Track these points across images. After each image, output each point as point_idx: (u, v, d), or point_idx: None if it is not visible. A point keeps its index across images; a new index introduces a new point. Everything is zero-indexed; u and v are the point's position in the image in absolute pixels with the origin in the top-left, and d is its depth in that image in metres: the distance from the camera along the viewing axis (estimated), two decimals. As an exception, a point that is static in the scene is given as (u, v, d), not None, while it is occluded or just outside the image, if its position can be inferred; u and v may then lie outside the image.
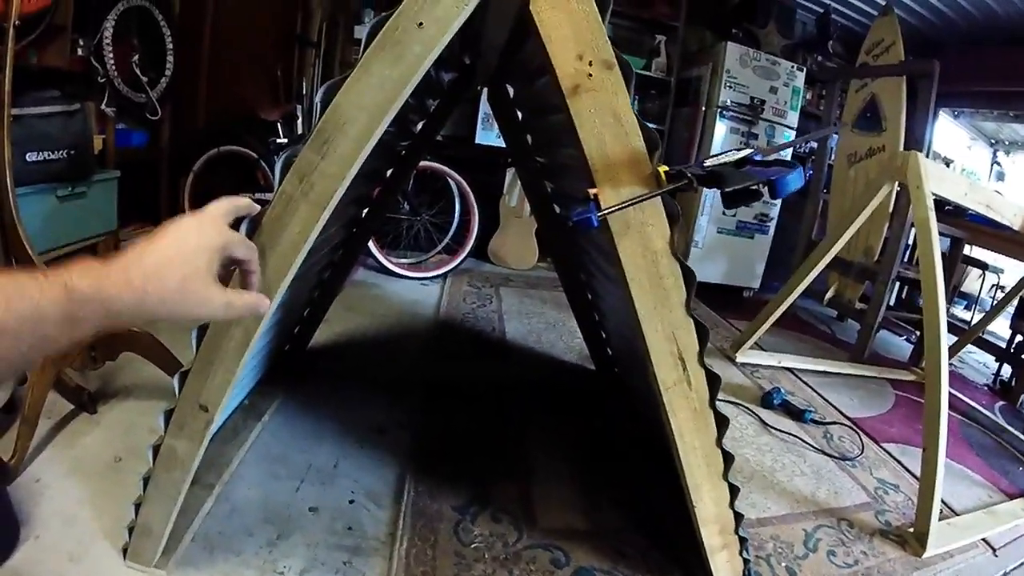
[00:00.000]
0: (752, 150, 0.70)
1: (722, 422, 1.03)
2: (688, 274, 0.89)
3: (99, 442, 1.54)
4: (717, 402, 1.03)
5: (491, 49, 1.19)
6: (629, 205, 0.76)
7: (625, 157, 0.79)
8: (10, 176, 1.71)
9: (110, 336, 1.70)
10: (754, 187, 0.66)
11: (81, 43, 2.51)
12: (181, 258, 0.53)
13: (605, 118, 0.79)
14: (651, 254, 0.85)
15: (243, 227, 0.82)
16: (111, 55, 2.60)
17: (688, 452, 1.03)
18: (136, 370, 1.82)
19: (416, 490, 1.49)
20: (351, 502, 1.42)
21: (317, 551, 1.25)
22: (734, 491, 1.12)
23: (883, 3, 3.66)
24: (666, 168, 0.76)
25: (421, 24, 0.76)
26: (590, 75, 0.77)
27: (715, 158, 0.71)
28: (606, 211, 0.74)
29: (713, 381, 0.99)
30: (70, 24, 2.35)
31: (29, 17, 1.89)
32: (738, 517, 1.17)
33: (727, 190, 0.67)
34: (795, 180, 0.66)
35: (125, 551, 1.15)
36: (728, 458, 1.07)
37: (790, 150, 4.24)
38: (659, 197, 0.82)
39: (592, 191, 0.78)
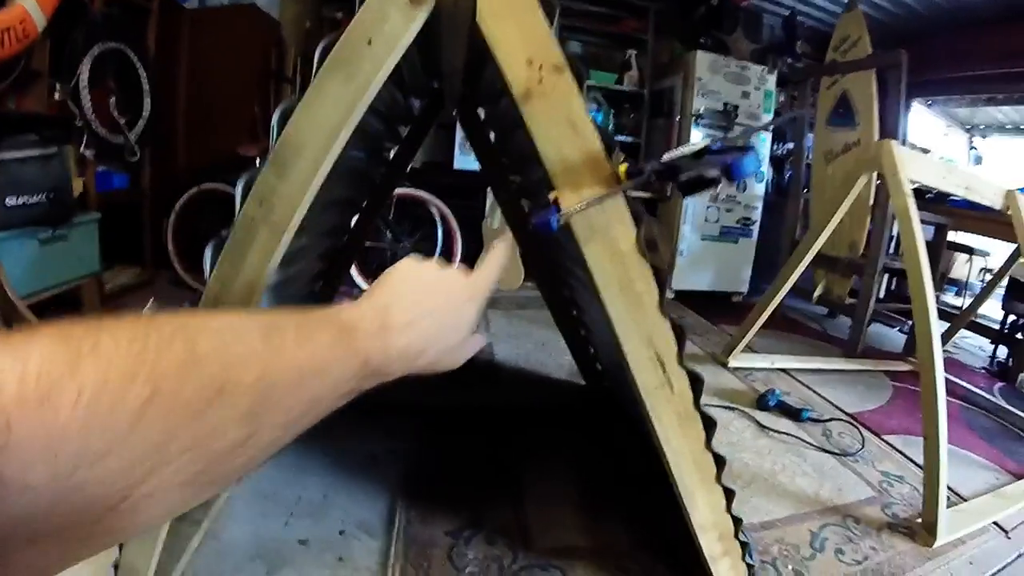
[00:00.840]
0: (710, 141, 0.70)
1: (709, 424, 1.01)
2: (659, 274, 0.88)
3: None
4: (707, 406, 1.01)
5: (453, 71, 1.20)
6: (589, 206, 0.75)
7: (583, 159, 0.78)
8: (-10, 220, 1.71)
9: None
10: (708, 174, 0.65)
11: (58, 87, 2.51)
12: (454, 340, 0.54)
13: (559, 122, 0.78)
14: (619, 256, 0.84)
15: (208, 250, 0.81)
16: (88, 98, 2.60)
17: (677, 457, 1.01)
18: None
19: (408, 517, 1.45)
20: (341, 532, 1.39)
21: (309, 585, 1.22)
22: (729, 495, 1.10)
23: (847, 1, 3.73)
24: (625, 166, 0.75)
25: (370, 42, 0.76)
26: (541, 80, 0.76)
27: (673, 152, 0.71)
28: (565, 213, 0.73)
29: (696, 382, 0.97)
30: (47, 69, 2.37)
31: (4, 62, 1.89)
32: (736, 521, 1.14)
33: (681, 179, 0.67)
34: (750, 163, 0.66)
35: (111, 593, 1.12)
36: (720, 461, 1.05)
37: (767, 153, 4.29)
38: (623, 197, 0.81)
39: (552, 195, 0.77)
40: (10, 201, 2.05)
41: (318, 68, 0.77)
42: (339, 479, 1.61)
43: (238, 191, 0.80)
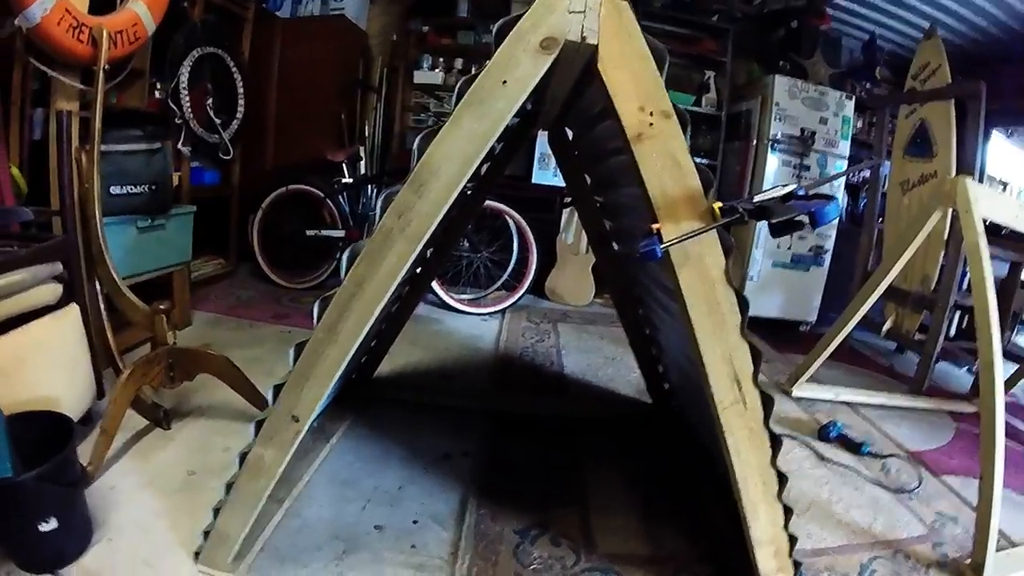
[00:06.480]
0: (796, 186, 0.78)
1: (776, 442, 1.07)
2: (742, 301, 0.96)
3: (173, 457, 1.65)
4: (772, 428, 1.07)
5: (555, 99, 1.29)
6: (689, 238, 0.83)
7: (683, 195, 0.87)
8: (98, 207, 1.87)
9: (188, 357, 1.83)
10: (797, 218, 0.73)
11: (159, 86, 2.72)
12: None
13: (665, 161, 0.88)
14: (708, 282, 0.93)
15: (345, 255, 0.93)
16: (187, 98, 2.80)
17: (744, 470, 1.08)
18: (211, 391, 1.95)
19: (478, 513, 1.55)
20: (415, 522, 1.49)
21: (383, 567, 1.32)
22: (788, 512, 1.15)
23: (927, 25, 3.64)
24: (720, 204, 0.84)
25: (505, 82, 0.87)
26: (651, 124, 0.86)
27: (763, 194, 0.79)
28: (668, 243, 0.82)
29: (767, 402, 1.04)
30: (148, 69, 2.57)
31: (116, 62, 2.04)
32: (792, 540, 1.19)
33: (773, 221, 0.75)
34: (832, 211, 0.74)
35: (197, 555, 1.24)
36: (782, 479, 1.11)
37: (842, 180, 4.21)
38: (715, 230, 0.89)
39: (655, 226, 0.86)
40: (114, 189, 2.22)
41: (456, 103, 0.88)
42: (414, 472, 1.72)
43: (378, 205, 0.92)
